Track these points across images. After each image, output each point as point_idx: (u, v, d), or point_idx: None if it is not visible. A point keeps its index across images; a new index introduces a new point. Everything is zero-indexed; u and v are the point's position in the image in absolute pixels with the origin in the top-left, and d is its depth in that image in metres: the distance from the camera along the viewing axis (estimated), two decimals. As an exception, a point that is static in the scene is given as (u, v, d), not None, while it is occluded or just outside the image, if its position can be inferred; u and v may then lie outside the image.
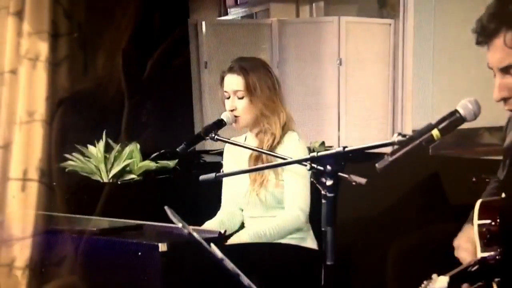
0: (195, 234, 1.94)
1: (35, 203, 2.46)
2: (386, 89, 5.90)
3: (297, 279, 2.78)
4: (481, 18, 2.10)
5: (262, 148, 3.18)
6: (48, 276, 2.52)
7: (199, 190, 4.44)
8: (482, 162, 3.08)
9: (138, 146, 4.48)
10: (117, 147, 4.45)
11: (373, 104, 5.91)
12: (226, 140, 3.20)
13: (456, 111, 2.05)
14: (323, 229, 2.27)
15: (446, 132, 2.05)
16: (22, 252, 2.45)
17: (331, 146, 4.86)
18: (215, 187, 4.38)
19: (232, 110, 3.18)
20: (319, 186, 2.32)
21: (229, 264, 1.87)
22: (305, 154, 3.17)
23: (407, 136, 2.10)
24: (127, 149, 4.45)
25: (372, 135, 5.77)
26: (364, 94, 5.92)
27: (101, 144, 4.43)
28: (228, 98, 3.21)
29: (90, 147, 4.44)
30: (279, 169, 3.16)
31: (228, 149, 3.45)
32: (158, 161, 4.57)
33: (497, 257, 2.11)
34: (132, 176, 4.42)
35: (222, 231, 2.61)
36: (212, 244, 1.94)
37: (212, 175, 2.67)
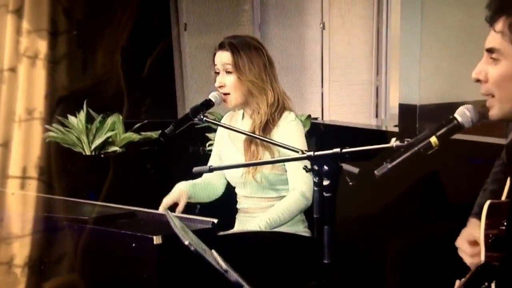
0: (200, 249, 1.95)
1: (34, 201, 2.50)
2: (370, 53, 5.96)
3: (291, 268, 2.84)
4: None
5: (254, 129, 3.24)
6: (47, 273, 2.57)
7: (183, 160, 4.52)
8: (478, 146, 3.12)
9: (121, 117, 4.48)
10: (98, 118, 4.46)
11: (357, 69, 5.97)
12: (215, 122, 3.26)
13: (454, 118, 2.13)
14: (315, 216, 2.38)
15: (444, 139, 2.09)
16: (21, 250, 2.50)
17: (316, 118, 4.92)
18: (202, 159, 4.45)
19: (220, 87, 3.23)
20: (312, 174, 2.41)
21: (233, 276, 1.91)
22: (301, 135, 3.25)
23: (405, 142, 2.16)
24: (109, 120, 4.45)
25: (355, 100, 5.84)
26: (347, 58, 5.96)
27: (82, 115, 4.41)
28: (217, 74, 3.26)
29: (71, 118, 4.41)
30: (275, 151, 3.22)
31: (225, 122, 3.51)
32: (141, 133, 4.59)
33: (499, 261, 2.16)
34: (115, 148, 4.44)
35: (215, 221, 2.65)
36: (215, 253, 1.99)
37: (206, 167, 2.69)
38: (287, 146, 2.91)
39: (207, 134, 4.49)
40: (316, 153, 2.38)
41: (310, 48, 5.95)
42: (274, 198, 3.29)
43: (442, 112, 4.85)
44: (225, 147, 3.46)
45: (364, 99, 5.85)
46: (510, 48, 2.06)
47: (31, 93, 2.51)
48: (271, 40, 6.09)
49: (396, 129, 4.67)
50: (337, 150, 2.36)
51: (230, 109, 3.37)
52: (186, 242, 1.91)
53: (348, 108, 5.84)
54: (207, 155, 4.26)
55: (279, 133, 3.21)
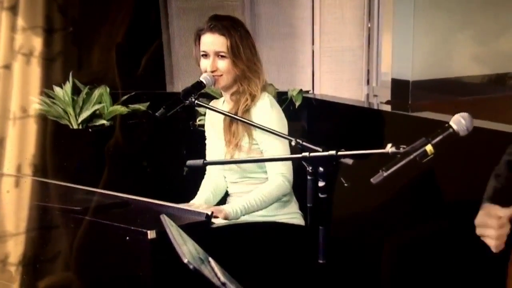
0: (198, 264, 1.91)
1: (28, 198, 2.54)
2: (362, 18, 5.95)
3: (286, 258, 2.89)
4: None
5: (238, 109, 3.30)
6: (42, 272, 2.61)
7: (172, 134, 4.55)
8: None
9: (108, 89, 4.44)
10: (85, 89, 4.40)
11: (348, 34, 5.95)
12: (207, 105, 3.26)
13: (449, 126, 2.22)
14: (308, 205, 2.47)
15: (439, 147, 2.17)
16: (16, 248, 2.54)
17: (308, 91, 4.95)
18: (193, 133, 4.48)
19: (212, 71, 3.26)
20: (304, 163, 2.48)
21: None
22: (277, 111, 3.32)
23: (401, 148, 2.22)
24: (96, 92, 4.41)
25: (346, 66, 5.84)
26: (338, 23, 5.94)
27: (68, 86, 4.27)
28: (206, 57, 3.29)
29: (56, 89, 4.21)
30: (253, 133, 3.29)
31: (208, 113, 3.60)
32: (129, 105, 4.55)
33: None
34: (102, 121, 4.41)
35: (209, 213, 2.68)
36: (213, 263, 2.02)
37: (200, 161, 2.75)
38: (276, 132, 2.98)
39: (197, 108, 4.49)
40: (312, 154, 2.45)
41: (300, 12, 5.93)
42: (255, 180, 3.38)
43: (435, 88, 4.95)
44: (208, 134, 3.56)
45: (355, 65, 5.86)
46: None
47: (26, 91, 2.54)
48: (259, 5, 6.06)
49: (389, 108, 4.71)
50: (333, 152, 2.41)
51: (219, 89, 3.42)
52: (185, 260, 1.86)
53: (339, 75, 5.84)
54: (197, 131, 4.32)
55: (255, 112, 3.28)
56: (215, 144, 3.47)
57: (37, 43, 2.56)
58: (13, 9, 2.52)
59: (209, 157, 3.54)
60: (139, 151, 4.56)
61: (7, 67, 2.55)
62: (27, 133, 2.58)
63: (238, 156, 3.30)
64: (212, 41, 3.26)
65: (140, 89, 4.64)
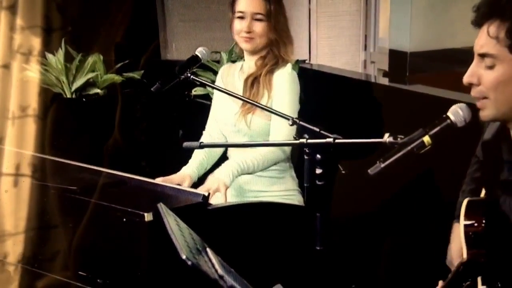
0: (196, 258, 1.91)
1: (27, 198, 2.59)
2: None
3: (284, 238, 2.95)
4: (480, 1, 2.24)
5: (263, 70, 3.41)
6: (41, 271, 2.67)
7: (168, 103, 4.58)
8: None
9: (101, 56, 4.48)
10: (78, 57, 4.44)
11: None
12: (203, 81, 3.29)
13: (447, 117, 2.24)
14: (305, 185, 2.53)
15: (437, 138, 2.21)
16: (14, 248, 2.60)
17: (304, 60, 4.97)
18: (188, 104, 4.52)
19: (247, 32, 3.38)
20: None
21: (229, 281, 1.90)
22: (295, 85, 3.43)
23: (398, 138, 2.26)
24: (90, 60, 4.45)
25: (343, 31, 5.86)
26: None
27: (60, 54, 4.35)
28: (242, 19, 3.40)
29: (49, 56, 4.33)
30: (273, 94, 3.39)
31: (222, 75, 3.67)
32: (123, 73, 4.59)
33: (482, 258, 2.32)
34: (96, 90, 4.47)
35: (206, 194, 2.72)
36: (210, 253, 2.05)
37: (197, 143, 2.82)
38: (281, 114, 2.96)
39: (192, 77, 4.50)
40: (309, 140, 2.49)
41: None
42: (260, 149, 3.40)
43: (433, 59, 4.96)
44: (218, 94, 3.61)
45: (352, 31, 5.86)
46: (506, 52, 2.16)
47: (25, 90, 2.58)
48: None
49: (387, 81, 4.74)
50: (330, 140, 2.46)
51: (248, 51, 3.48)
52: (184, 257, 1.86)
53: (336, 41, 5.85)
54: (194, 102, 4.37)
55: (275, 77, 3.39)
56: (227, 105, 3.53)
57: (36, 42, 2.61)
58: (12, 9, 2.55)
59: (214, 118, 3.62)
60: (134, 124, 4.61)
61: (6, 66, 2.60)
62: (25, 133, 2.63)
63: (251, 118, 3.40)
64: (252, 2, 3.39)
65: (134, 56, 4.65)
